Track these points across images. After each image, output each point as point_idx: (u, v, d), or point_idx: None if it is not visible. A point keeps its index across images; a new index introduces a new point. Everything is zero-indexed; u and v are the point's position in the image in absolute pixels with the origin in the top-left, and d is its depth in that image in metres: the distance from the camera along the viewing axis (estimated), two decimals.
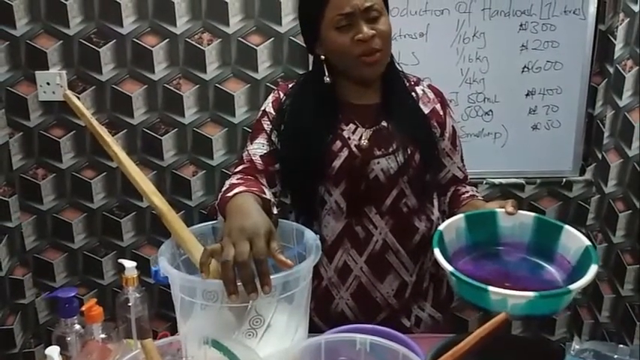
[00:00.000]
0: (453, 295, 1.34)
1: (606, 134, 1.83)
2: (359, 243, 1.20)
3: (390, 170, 1.17)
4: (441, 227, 1.00)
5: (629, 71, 1.71)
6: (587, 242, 0.93)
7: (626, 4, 1.70)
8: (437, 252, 0.93)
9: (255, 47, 1.76)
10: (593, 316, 1.95)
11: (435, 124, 1.23)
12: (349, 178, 1.17)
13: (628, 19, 1.70)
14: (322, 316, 1.25)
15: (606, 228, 1.86)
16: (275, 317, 0.92)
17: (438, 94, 1.27)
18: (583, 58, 1.80)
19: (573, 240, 0.96)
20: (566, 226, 0.98)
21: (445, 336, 0.94)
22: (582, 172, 1.91)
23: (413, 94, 1.23)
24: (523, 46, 1.79)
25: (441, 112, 1.25)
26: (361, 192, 1.18)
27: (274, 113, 1.21)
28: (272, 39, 1.75)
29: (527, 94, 1.84)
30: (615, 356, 0.84)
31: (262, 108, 1.24)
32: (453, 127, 1.27)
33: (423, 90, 1.25)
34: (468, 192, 1.25)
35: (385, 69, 1.17)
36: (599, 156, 1.87)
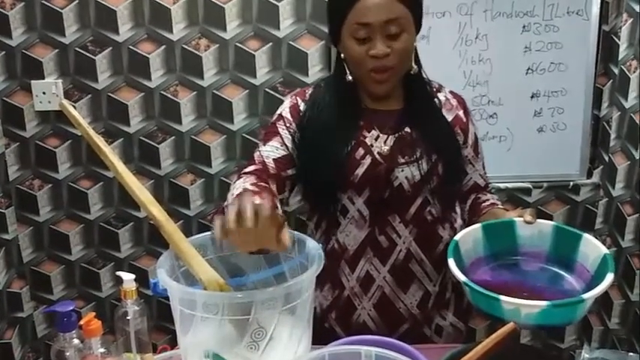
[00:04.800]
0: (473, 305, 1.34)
1: (613, 136, 1.80)
2: (382, 252, 1.19)
3: (414, 178, 1.15)
4: (456, 237, 1.00)
5: (634, 72, 1.69)
6: (605, 250, 0.93)
7: (629, 4, 1.69)
8: (451, 262, 0.93)
9: (253, 52, 1.74)
10: (603, 322, 1.92)
11: (459, 130, 1.22)
12: (373, 186, 1.15)
13: (631, 20, 1.69)
14: (344, 326, 1.23)
15: (615, 232, 1.83)
16: (277, 329, 0.91)
17: (461, 101, 1.26)
18: (587, 59, 1.79)
19: (592, 248, 0.96)
20: (586, 235, 0.98)
21: (453, 346, 0.93)
22: (589, 174, 1.89)
23: (435, 100, 1.22)
24: (526, 47, 1.77)
25: (465, 119, 1.24)
26: (385, 200, 1.16)
27: (291, 119, 1.19)
28: (270, 44, 1.74)
29: (531, 96, 1.82)
30: None
31: (278, 112, 1.22)
32: (475, 134, 1.26)
33: (445, 97, 1.25)
34: (488, 200, 1.25)
35: (408, 74, 1.16)
36: (606, 158, 1.84)
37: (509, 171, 1.85)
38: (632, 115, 1.71)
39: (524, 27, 1.75)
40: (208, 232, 1.04)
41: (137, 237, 1.89)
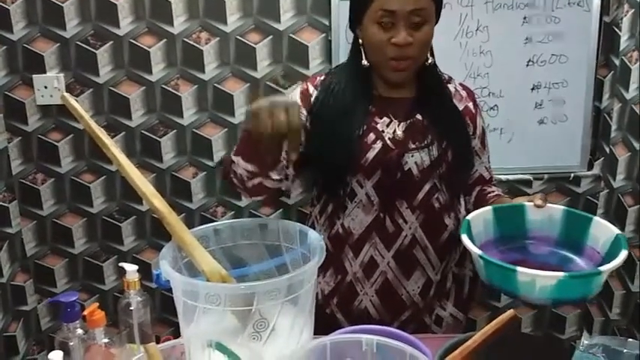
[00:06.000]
0: (473, 295, 1.34)
1: (614, 127, 1.80)
2: (387, 237, 1.20)
3: (423, 164, 1.17)
4: (469, 217, 1.01)
5: (635, 63, 1.69)
6: (617, 231, 0.94)
7: None
8: (465, 238, 0.94)
9: (253, 46, 1.74)
10: (604, 313, 1.92)
11: (468, 121, 1.24)
12: (382, 170, 1.17)
13: (633, 10, 1.68)
14: (345, 312, 1.25)
15: (615, 223, 1.83)
16: (279, 320, 0.92)
17: (470, 94, 1.28)
18: (588, 51, 1.78)
19: (603, 230, 0.97)
20: (596, 217, 1.00)
21: (453, 336, 0.93)
22: (590, 166, 1.89)
23: (447, 90, 1.24)
24: (527, 39, 1.77)
25: (474, 111, 1.26)
26: (393, 185, 1.17)
27: (300, 104, 1.19)
28: (271, 37, 1.74)
29: (532, 88, 1.81)
30: (625, 350, 0.84)
31: None
32: (482, 126, 1.28)
33: (455, 88, 1.26)
34: (494, 191, 1.26)
35: (421, 66, 1.17)
36: (607, 150, 1.84)
37: (510, 163, 1.85)
38: (633, 106, 1.71)
39: (525, 18, 1.75)
40: (210, 224, 1.05)
41: (140, 230, 1.90)
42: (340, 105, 1.18)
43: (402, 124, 1.18)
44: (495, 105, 1.82)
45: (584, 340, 0.86)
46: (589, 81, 1.80)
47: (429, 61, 1.18)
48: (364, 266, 1.21)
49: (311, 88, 1.22)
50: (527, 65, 1.79)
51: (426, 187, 1.19)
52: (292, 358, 0.81)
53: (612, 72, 1.80)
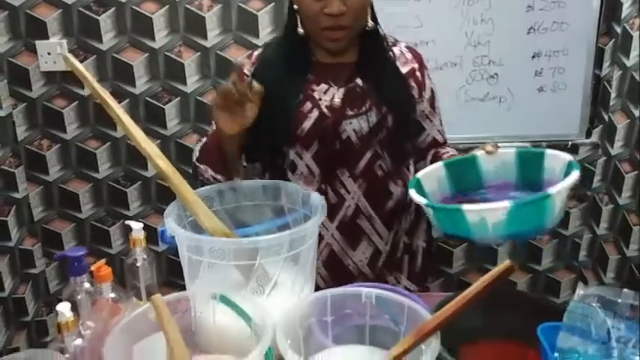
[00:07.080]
0: (428, 268, 1.33)
1: (613, 95, 1.81)
2: (330, 208, 1.16)
3: (362, 131, 1.14)
4: (418, 174, 0.98)
5: (637, 30, 1.68)
6: (569, 157, 0.92)
7: None
8: (412, 192, 0.91)
9: (255, 12, 1.74)
10: (599, 277, 1.96)
11: (413, 84, 1.20)
12: (320, 140, 1.14)
13: None
14: None
15: (612, 190, 1.86)
16: (281, 276, 0.93)
17: (416, 55, 1.23)
18: (590, 18, 1.77)
19: (556, 161, 0.94)
20: (548, 150, 0.96)
21: (445, 294, 0.95)
22: (588, 134, 1.90)
23: (390, 53, 1.20)
24: (529, 6, 1.76)
25: (419, 73, 1.21)
26: (333, 154, 1.15)
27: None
28: (273, 4, 1.73)
29: (533, 56, 1.81)
30: (619, 300, 0.82)
31: None
32: (431, 89, 1.24)
33: (400, 50, 1.22)
34: (447, 152, 1.22)
35: (363, 30, 1.14)
36: (606, 117, 1.85)
37: (509, 131, 1.86)
38: (633, 73, 1.71)
39: None
40: (214, 185, 1.07)
41: (145, 195, 1.92)
42: (275, 75, 1.14)
43: (340, 89, 1.15)
44: (495, 73, 1.82)
45: (580, 291, 0.84)
46: (590, 49, 1.80)
47: (369, 26, 1.13)
48: None
49: (246, 67, 1.19)
50: (529, 33, 1.78)
51: (367, 154, 1.16)
52: (294, 310, 0.84)
53: (613, 40, 1.79)
